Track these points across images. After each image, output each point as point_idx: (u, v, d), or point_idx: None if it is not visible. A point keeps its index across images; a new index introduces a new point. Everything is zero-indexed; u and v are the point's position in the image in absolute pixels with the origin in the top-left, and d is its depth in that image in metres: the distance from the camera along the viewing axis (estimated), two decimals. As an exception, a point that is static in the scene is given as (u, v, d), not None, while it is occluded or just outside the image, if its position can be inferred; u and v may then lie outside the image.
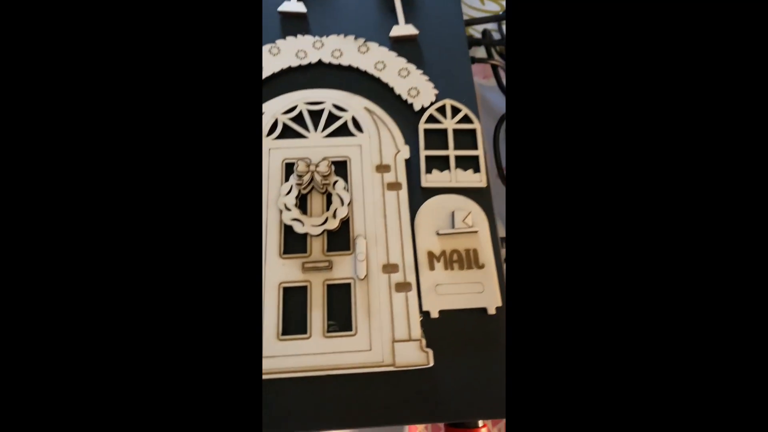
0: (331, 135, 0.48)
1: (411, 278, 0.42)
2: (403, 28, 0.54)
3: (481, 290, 0.42)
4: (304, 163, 0.45)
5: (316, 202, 0.45)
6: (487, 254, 0.43)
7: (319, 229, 0.43)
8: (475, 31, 0.74)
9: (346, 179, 0.46)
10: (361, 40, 0.53)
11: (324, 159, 0.45)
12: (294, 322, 0.41)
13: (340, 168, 0.46)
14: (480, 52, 0.73)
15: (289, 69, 0.52)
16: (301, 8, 0.55)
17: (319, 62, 0.52)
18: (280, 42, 0.53)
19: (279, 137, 0.48)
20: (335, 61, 0.52)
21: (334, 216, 0.44)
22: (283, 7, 0.55)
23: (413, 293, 0.41)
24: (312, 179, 0.45)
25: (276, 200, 0.45)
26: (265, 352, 0.39)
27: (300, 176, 0.44)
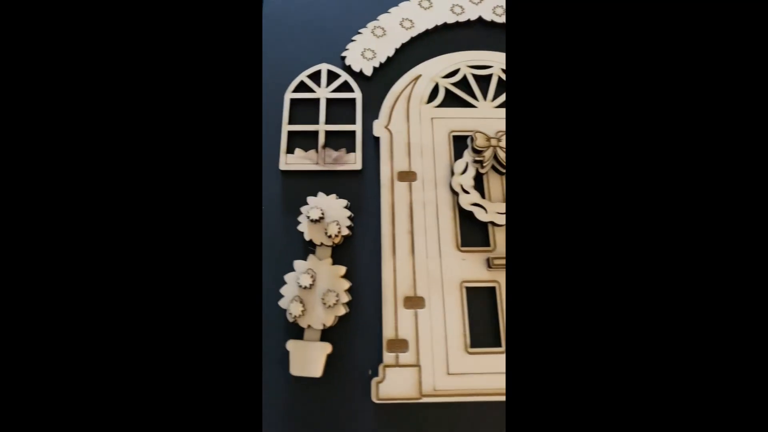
0: (503, 105, 0.40)
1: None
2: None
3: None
4: (484, 136, 0.37)
5: (494, 184, 0.37)
6: None
7: (505, 218, 0.35)
8: None
9: (527, 158, 0.38)
10: (527, -4, 0.44)
11: (503, 134, 0.37)
12: (482, 332, 0.33)
13: (518, 145, 0.38)
14: None
15: (444, 26, 0.44)
16: (451, -44, 0.46)
17: (479, 20, 0.44)
18: (431, -7, 0.44)
19: (442, 105, 0.40)
20: (498, 19, 0.44)
21: (522, 202, 0.36)
22: (431, -45, 0.46)
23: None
24: (494, 156, 0.37)
25: (446, 179, 0.37)
26: (451, 367, 0.31)
27: (478, 152, 0.36)
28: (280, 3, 0.45)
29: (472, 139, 0.37)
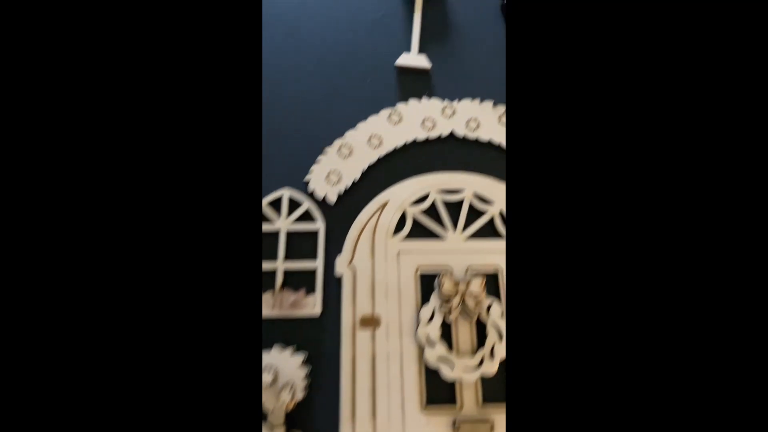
0: (474, 236, 0.38)
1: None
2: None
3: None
4: (451, 282, 0.34)
5: (463, 332, 0.35)
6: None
7: (474, 375, 0.33)
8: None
9: (500, 298, 0.35)
10: (502, 108, 0.42)
11: (473, 275, 0.35)
12: None
13: (489, 282, 0.36)
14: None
15: (414, 143, 0.42)
16: (423, 62, 0.45)
17: (451, 135, 0.42)
18: (401, 107, 0.43)
19: (409, 236, 0.38)
20: (471, 135, 0.42)
21: (492, 355, 0.33)
22: (402, 61, 0.45)
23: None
24: (461, 303, 0.34)
25: (412, 326, 0.34)
26: None
27: (446, 300, 0.34)
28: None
29: (439, 284, 0.34)
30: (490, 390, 0.33)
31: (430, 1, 0.48)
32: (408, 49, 0.45)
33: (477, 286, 0.34)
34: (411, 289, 0.36)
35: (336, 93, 0.43)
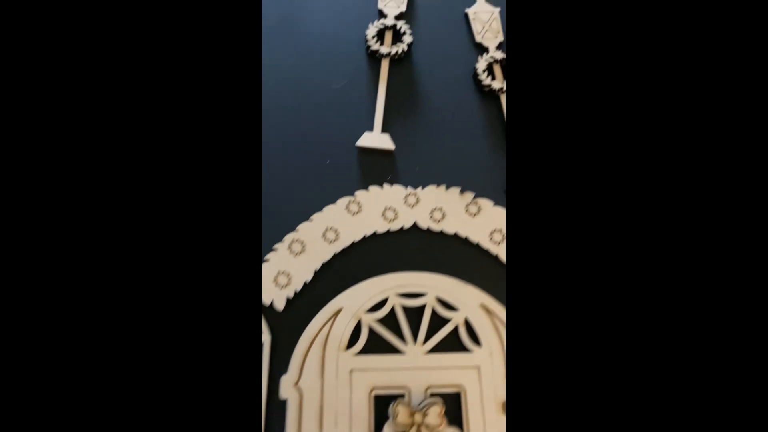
0: (436, 349, 0.34)
1: None
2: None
3: None
4: (406, 410, 0.31)
5: (420, 466, 0.31)
6: None
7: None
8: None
9: (461, 426, 0.32)
10: (470, 196, 0.39)
11: (431, 403, 0.31)
12: None
13: (451, 404, 0.32)
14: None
15: (375, 236, 0.38)
16: (386, 143, 0.41)
17: (414, 226, 0.39)
18: (360, 194, 0.39)
19: (363, 351, 0.34)
20: (435, 227, 0.38)
21: (451, 497, 0.30)
22: (364, 141, 0.41)
23: None
24: (418, 436, 0.31)
25: (363, 461, 0.31)
26: None
27: (401, 432, 0.30)
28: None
29: (393, 414, 0.31)
30: None
31: (396, 68, 0.45)
32: (371, 127, 0.42)
33: (435, 416, 0.31)
34: (364, 415, 0.32)
35: (290, 180, 0.40)
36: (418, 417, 0.31)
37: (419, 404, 0.32)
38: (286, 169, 0.40)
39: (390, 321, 0.35)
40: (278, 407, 0.32)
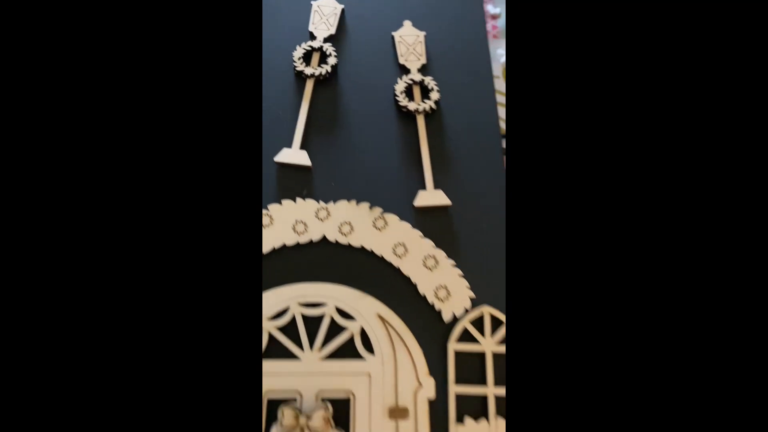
0: (332, 356, 0.36)
1: None
2: (431, 196, 0.42)
3: None
4: (292, 412, 0.33)
5: (304, 468, 0.33)
6: None
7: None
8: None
9: (347, 430, 0.34)
10: (378, 211, 0.41)
11: (320, 406, 0.33)
12: None
13: (340, 409, 0.34)
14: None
15: (284, 248, 0.40)
16: (303, 160, 0.43)
17: (323, 240, 0.41)
18: (274, 208, 0.41)
19: (265, 355, 0.36)
20: (343, 240, 0.40)
21: (331, 498, 0.32)
22: (282, 157, 0.43)
23: None
24: (302, 439, 0.32)
25: (250, 462, 0.32)
26: None
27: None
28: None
29: (281, 414, 0.33)
30: None
31: (322, 88, 0.47)
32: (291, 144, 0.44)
33: (319, 420, 0.32)
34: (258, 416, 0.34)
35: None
36: (302, 420, 0.33)
37: (309, 407, 0.33)
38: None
39: (290, 329, 0.37)
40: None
